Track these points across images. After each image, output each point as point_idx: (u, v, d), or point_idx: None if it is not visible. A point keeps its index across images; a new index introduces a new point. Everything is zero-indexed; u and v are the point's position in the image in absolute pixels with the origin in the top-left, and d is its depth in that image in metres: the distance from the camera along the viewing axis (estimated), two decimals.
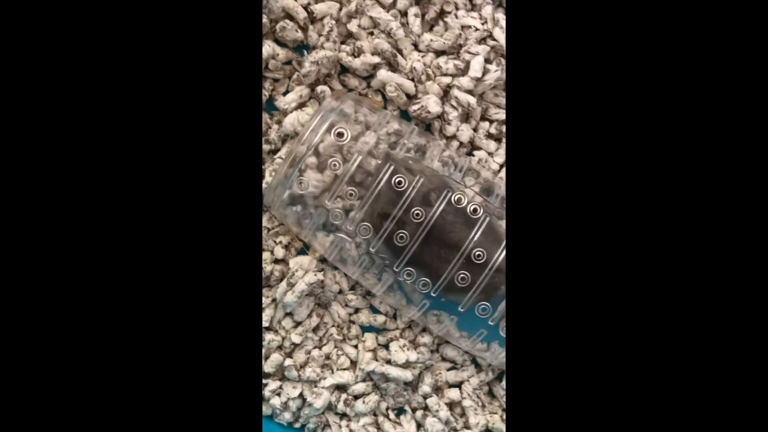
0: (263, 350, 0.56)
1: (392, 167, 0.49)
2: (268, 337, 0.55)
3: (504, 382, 0.56)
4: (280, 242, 0.55)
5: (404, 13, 0.53)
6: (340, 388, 0.56)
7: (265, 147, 0.54)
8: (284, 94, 0.55)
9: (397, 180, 0.49)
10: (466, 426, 0.56)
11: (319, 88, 0.53)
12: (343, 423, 0.57)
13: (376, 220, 0.49)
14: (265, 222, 0.55)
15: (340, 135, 0.48)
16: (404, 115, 0.55)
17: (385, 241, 0.50)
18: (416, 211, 0.49)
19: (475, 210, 0.50)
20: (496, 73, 0.52)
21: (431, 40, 0.53)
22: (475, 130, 0.54)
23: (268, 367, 0.55)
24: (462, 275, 0.50)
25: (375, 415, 0.57)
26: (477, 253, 0.49)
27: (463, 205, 0.50)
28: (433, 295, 0.51)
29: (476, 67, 0.52)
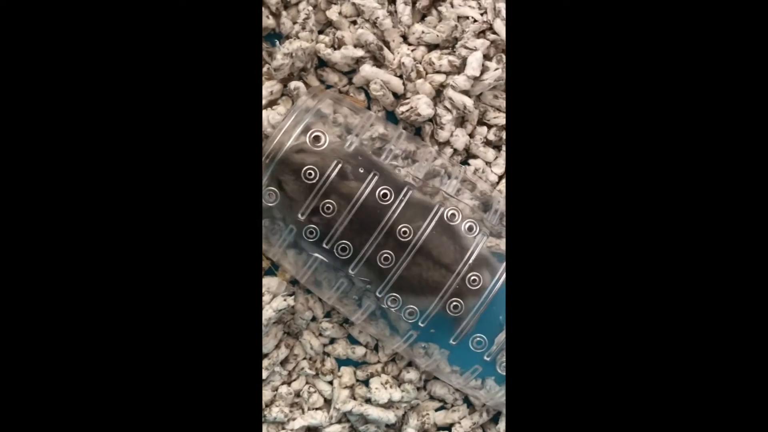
0: None
1: (376, 177, 0.42)
2: None
3: (501, 425, 0.50)
4: None
5: (392, 0, 0.47)
6: (312, 430, 0.49)
7: None
8: None
9: (381, 192, 0.42)
10: None
11: (293, 84, 0.47)
12: None
13: (356, 238, 0.42)
14: None
15: (316, 139, 0.42)
16: (390, 117, 0.48)
17: (367, 262, 0.43)
18: (403, 229, 0.42)
19: (470, 228, 0.44)
20: (497, 71, 0.46)
21: (423, 32, 0.47)
22: (471, 135, 0.49)
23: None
24: (455, 303, 0.44)
25: None
26: (472, 277, 0.43)
27: (457, 222, 0.44)
28: (422, 325, 0.45)
29: (474, 64, 0.46)
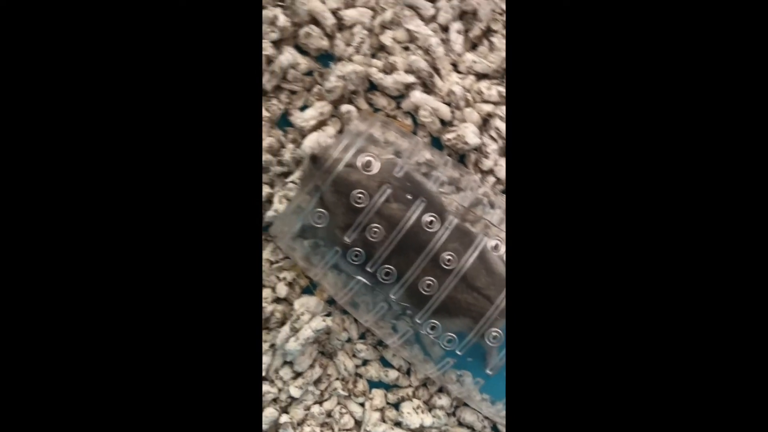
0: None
1: (423, 204, 0.42)
2: (263, 388, 0.48)
3: None
4: (284, 278, 0.48)
5: (445, 28, 0.47)
6: None
7: (277, 169, 0.47)
8: (302, 109, 0.48)
9: (428, 219, 0.42)
10: None
11: (344, 108, 0.46)
12: None
13: (400, 264, 0.42)
14: (267, 254, 0.48)
15: (367, 164, 0.42)
16: (435, 143, 0.48)
17: (410, 287, 0.43)
18: (447, 257, 0.42)
19: None
20: None
21: (474, 62, 0.47)
22: None
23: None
24: (494, 333, 0.43)
25: None
26: None
27: (501, 252, 0.44)
28: (459, 353, 0.44)
29: None
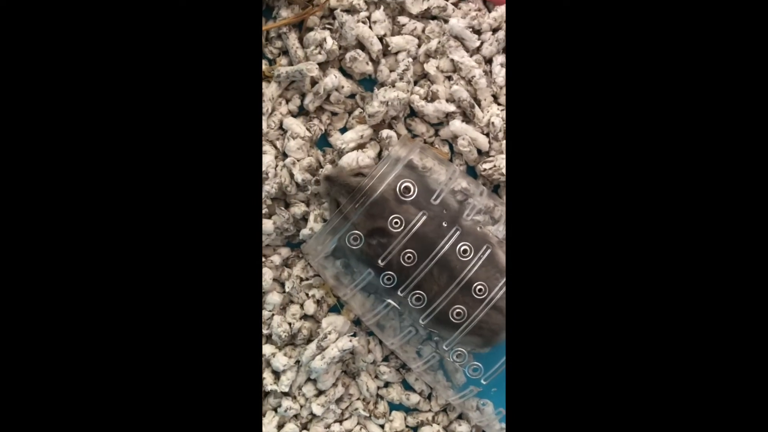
0: (277, 418, 0.49)
1: (458, 233, 0.43)
2: (285, 404, 0.48)
3: None
4: (313, 296, 0.48)
5: (489, 60, 0.48)
6: None
7: (314, 188, 0.47)
8: (341, 130, 0.48)
9: (462, 248, 0.42)
10: None
11: (384, 133, 0.47)
12: None
13: (432, 290, 0.43)
14: (298, 271, 0.49)
15: (406, 190, 0.42)
16: (470, 172, 0.49)
17: (439, 314, 0.43)
18: (479, 286, 0.43)
19: None
20: None
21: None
22: None
23: None
24: None
25: None
26: None
27: None
28: (484, 382, 0.45)
29: None
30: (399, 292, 0.43)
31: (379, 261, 0.43)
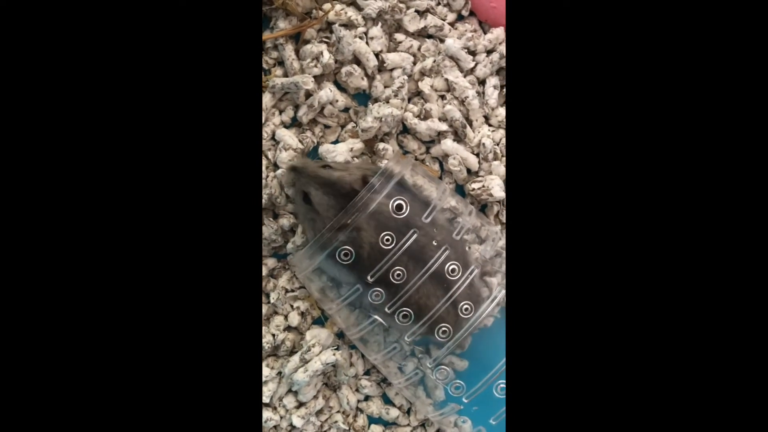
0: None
1: (447, 252, 0.43)
2: (266, 414, 0.48)
3: None
4: (298, 308, 0.48)
5: (482, 82, 0.48)
6: None
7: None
8: (334, 143, 0.49)
9: (450, 267, 0.43)
10: None
11: (381, 145, 0.47)
12: None
13: (419, 308, 0.43)
14: (284, 282, 0.49)
15: (399, 207, 0.42)
16: (458, 190, 0.49)
17: (425, 332, 0.44)
18: (465, 306, 0.43)
19: None
20: None
21: (506, 117, 0.48)
22: None
23: None
24: (501, 384, 0.44)
25: None
26: None
27: None
28: (466, 400, 0.45)
29: None
30: (387, 309, 0.43)
31: (369, 277, 0.43)
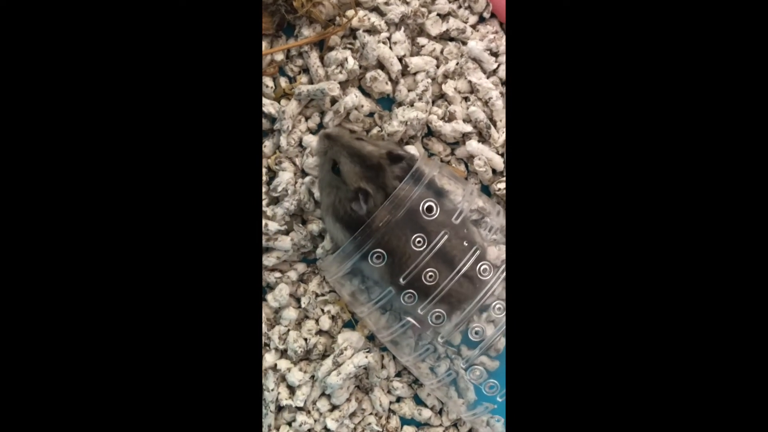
0: None
1: (478, 252, 0.43)
2: (300, 418, 0.48)
3: None
4: (328, 312, 0.49)
5: (505, 82, 0.49)
6: None
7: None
8: None
9: (482, 267, 0.43)
10: None
11: (410, 149, 0.48)
12: None
13: (452, 308, 0.44)
14: (314, 287, 0.49)
15: (429, 209, 0.43)
16: (484, 190, 0.49)
17: (459, 332, 0.44)
18: (497, 305, 0.44)
19: None
20: None
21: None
22: None
23: None
24: None
25: None
26: None
27: None
28: (500, 400, 0.45)
29: None
30: (419, 310, 0.44)
31: (401, 279, 0.43)
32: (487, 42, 0.48)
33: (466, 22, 0.49)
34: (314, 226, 0.48)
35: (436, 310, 0.43)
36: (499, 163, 0.48)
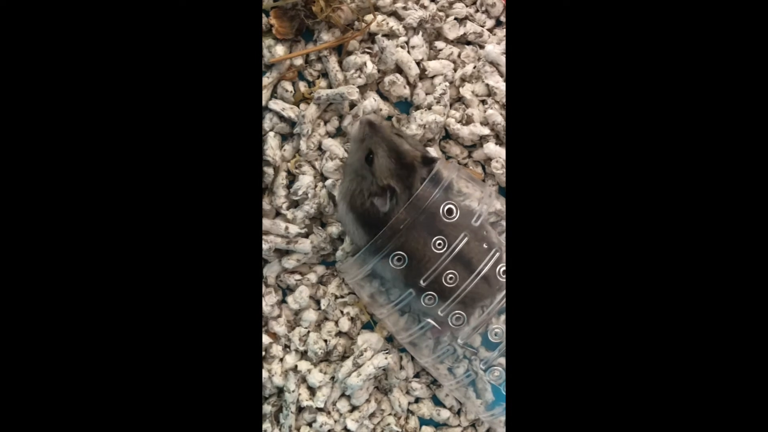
0: None
1: (497, 254, 0.44)
2: (320, 419, 0.49)
3: None
4: (347, 313, 0.49)
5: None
6: None
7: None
8: None
9: (502, 269, 0.44)
10: None
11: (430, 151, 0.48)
12: None
13: (472, 310, 0.44)
14: (333, 289, 0.49)
15: (449, 212, 0.43)
16: (501, 192, 0.50)
17: (479, 334, 0.45)
18: None
19: None
20: None
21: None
22: None
23: None
24: None
25: None
26: None
27: None
28: None
29: None
30: (439, 312, 0.44)
31: (421, 281, 0.43)
32: (504, 46, 0.48)
33: (483, 26, 0.49)
34: (334, 229, 0.49)
35: (456, 311, 0.44)
36: None
